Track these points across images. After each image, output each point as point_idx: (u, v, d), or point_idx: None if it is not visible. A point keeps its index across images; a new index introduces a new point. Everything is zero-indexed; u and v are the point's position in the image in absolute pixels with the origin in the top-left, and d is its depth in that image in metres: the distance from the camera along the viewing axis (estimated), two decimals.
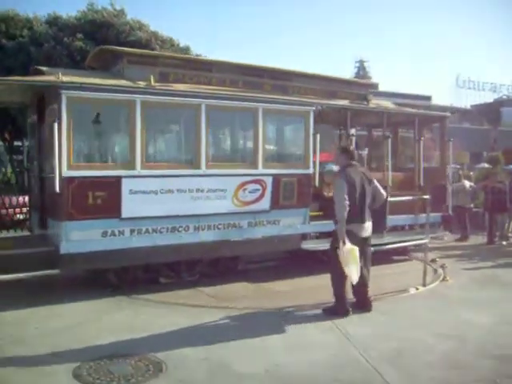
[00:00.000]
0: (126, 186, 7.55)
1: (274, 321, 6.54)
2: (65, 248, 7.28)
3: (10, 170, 27.58)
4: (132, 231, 7.71)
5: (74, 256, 7.32)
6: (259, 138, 8.81)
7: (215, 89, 8.67)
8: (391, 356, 5.27)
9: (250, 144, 9.06)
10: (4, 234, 12.34)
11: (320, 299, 7.19)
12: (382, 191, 7.18)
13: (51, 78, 7.48)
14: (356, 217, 6.62)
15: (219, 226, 8.46)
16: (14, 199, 17.66)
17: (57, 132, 7.11)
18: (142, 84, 7.89)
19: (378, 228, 7.75)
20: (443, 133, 12.09)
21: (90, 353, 5.31)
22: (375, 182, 7.07)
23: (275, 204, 8.93)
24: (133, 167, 7.68)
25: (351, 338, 5.80)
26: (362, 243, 6.71)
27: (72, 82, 7.37)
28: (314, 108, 9.42)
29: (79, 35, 19.84)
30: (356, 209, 6.62)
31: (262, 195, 8.79)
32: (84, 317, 6.64)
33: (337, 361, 5.17)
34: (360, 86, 11.44)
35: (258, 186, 8.74)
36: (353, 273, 6.34)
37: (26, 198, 17.71)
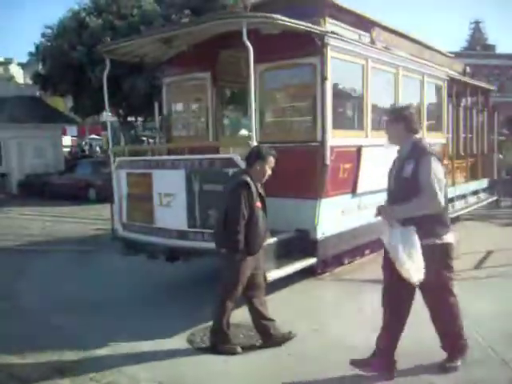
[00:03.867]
0: (365, 156, 6.88)
1: None
2: (320, 232, 6.26)
3: (123, 144, 29.06)
4: (359, 207, 7.07)
5: (326, 241, 6.35)
6: (425, 105, 8.80)
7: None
8: (507, 337, 4.92)
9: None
10: None
11: None
12: None
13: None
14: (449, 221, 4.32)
15: None
16: None
17: (327, 92, 6.19)
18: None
19: None
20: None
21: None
22: None
23: None
24: (366, 135, 7.08)
25: (469, 316, 5.50)
26: None
27: (336, 33, 6.44)
28: (448, 78, 9.72)
29: (186, 11, 20.22)
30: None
31: None
32: None
33: None
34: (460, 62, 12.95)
35: None
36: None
37: None
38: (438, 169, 3.98)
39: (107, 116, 8.06)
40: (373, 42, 7.54)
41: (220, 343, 4.80)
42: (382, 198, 7.41)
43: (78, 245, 10.34)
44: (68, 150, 33.51)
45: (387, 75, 7.75)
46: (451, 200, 10.33)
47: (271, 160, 4.80)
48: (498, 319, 5.39)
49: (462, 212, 10.65)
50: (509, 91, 49.49)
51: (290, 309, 5.60)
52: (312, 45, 6.20)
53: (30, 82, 30.30)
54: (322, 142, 6.23)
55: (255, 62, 6.63)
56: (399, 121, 4.19)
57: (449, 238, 4.15)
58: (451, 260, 4.21)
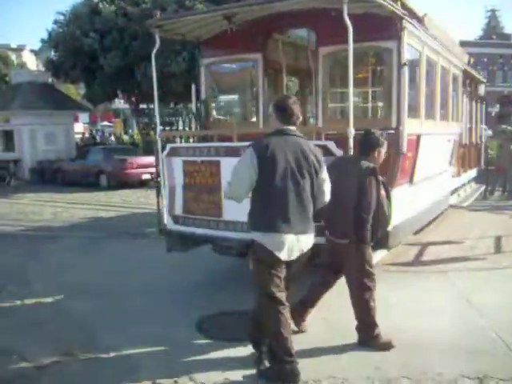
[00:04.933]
0: (422, 144, 6.68)
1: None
2: (391, 223, 5.93)
3: (135, 131, 29.15)
4: (416, 195, 7.00)
5: (395, 231, 6.01)
6: (450, 94, 8.76)
7: None
8: None
9: (444, 100, 8.54)
10: None
11: None
12: (327, 189, 4.17)
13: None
14: (270, 219, 3.95)
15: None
16: (140, 160, 18.77)
17: (404, 78, 5.85)
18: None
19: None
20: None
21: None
22: (324, 172, 4.15)
23: (451, 162, 9.17)
24: (421, 123, 6.75)
25: (471, 307, 5.48)
26: (282, 266, 4.04)
27: (413, 14, 6.01)
28: (463, 68, 9.73)
29: None
30: (272, 204, 3.95)
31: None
32: None
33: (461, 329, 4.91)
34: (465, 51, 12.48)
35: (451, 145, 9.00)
36: None
37: (152, 159, 18.89)
38: (240, 161, 4.04)
39: (155, 96, 6.77)
40: (426, 29, 7.03)
41: (373, 338, 4.54)
42: (430, 185, 7.77)
43: (89, 231, 10.39)
44: (79, 136, 33.67)
45: (432, 63, 7.52)
46: (456, 190, 10.43)
47: (386, 145, 4.74)
48: (508, 308, 5.36)
49: (468, 203, 10.68)
50: None
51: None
52: (389, 28, 5.85)
53: (42, 68, 30.45)
54: (398, 130, 5.92)
55: (320, 44, 6.58)
56: (273, 112, 4.18)
57: (261, 238, 3.96)
58: (259, 260, 4.01)
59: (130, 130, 33.66)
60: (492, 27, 59.10)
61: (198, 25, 6.91)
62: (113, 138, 34.40)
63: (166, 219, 6.47)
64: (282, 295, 4.01)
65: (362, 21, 5.49)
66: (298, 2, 5.81)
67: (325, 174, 4.12)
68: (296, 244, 3.98)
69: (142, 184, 18.48)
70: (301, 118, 4.23)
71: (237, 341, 4.68)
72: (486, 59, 47.49)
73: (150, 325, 5.17)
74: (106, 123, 43.63)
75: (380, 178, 4.46)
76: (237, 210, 5.40)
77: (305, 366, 4.03)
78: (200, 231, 6.08)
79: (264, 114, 7.43)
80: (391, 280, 6.43)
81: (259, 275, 4.04)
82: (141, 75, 20.78)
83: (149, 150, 20.35)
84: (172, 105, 25.23)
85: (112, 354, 4.55)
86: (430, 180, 7.69)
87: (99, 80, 22.23)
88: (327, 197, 4.14)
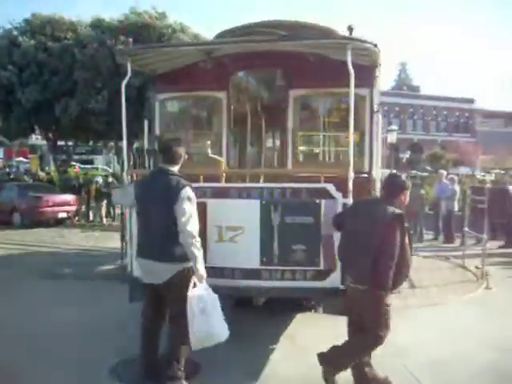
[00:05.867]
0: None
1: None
2: None
3: (52, 168, 28.30)
4: None
5: None
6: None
7: None
8: (431, 365, 5.13)
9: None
10: None
11: None
12: (184, 221, 4.24)
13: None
14: (137, 246, 4.92)
15: None
16: (56, 198, 18.14)
17: (376, 124, 6.04)
18: None
19: None
20: None
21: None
22: (181, 205, 4.26)
23: None
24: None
25: (391, 345, 5.68)
26: (156, 292, 4.55)
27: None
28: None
29: (121, 37, 20.23)
30: (138, 233, 4.91)
31: None
32: None
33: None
34: None
35: None
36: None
37: (68, 197, 18.32)
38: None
39: (124, 130, 6.02)
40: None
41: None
42: None
43: None
44: None
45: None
46: None
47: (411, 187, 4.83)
48: (423, 347, 5.58)
49: None
50: (432, 130, 52.34)
51: None
52: (364, 76, 5.76)
53: None
54: (371, 174, 5.99)
55: (293, 87, 6.59)
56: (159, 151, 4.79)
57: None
58: None
59: (47, 167, 32.56)
60: (402, 79, 62.98)
61: (167, 57, 6.52)
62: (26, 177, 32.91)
63: (133, 266, 5.56)
64: (147, 316, 4.65)
65: (340, 68, 5.33)
66: (305, 44, 5.64)
67: (180, 207, 4.26)
68: (154, 269, 4.39)
69: (58, 223, 17.85)
70: (183, 157, 4.64)
71: None
72: (397, 108, 50.47)
73: (64, 370, 4.97)
74: (21, 159, 41.96)
75: (405, 224, 4.41)
76: (227, 256, 5.17)
77: None
78: None
79: (228, 154, 7.18)
80: (306, 320, 6.55)
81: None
82: (60, 111, 20.39)
83: (66, 187, 19.78)
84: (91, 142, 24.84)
85: None
86: None
87: (16, 114, 21.57)
88: (184, 228, 4.23)
